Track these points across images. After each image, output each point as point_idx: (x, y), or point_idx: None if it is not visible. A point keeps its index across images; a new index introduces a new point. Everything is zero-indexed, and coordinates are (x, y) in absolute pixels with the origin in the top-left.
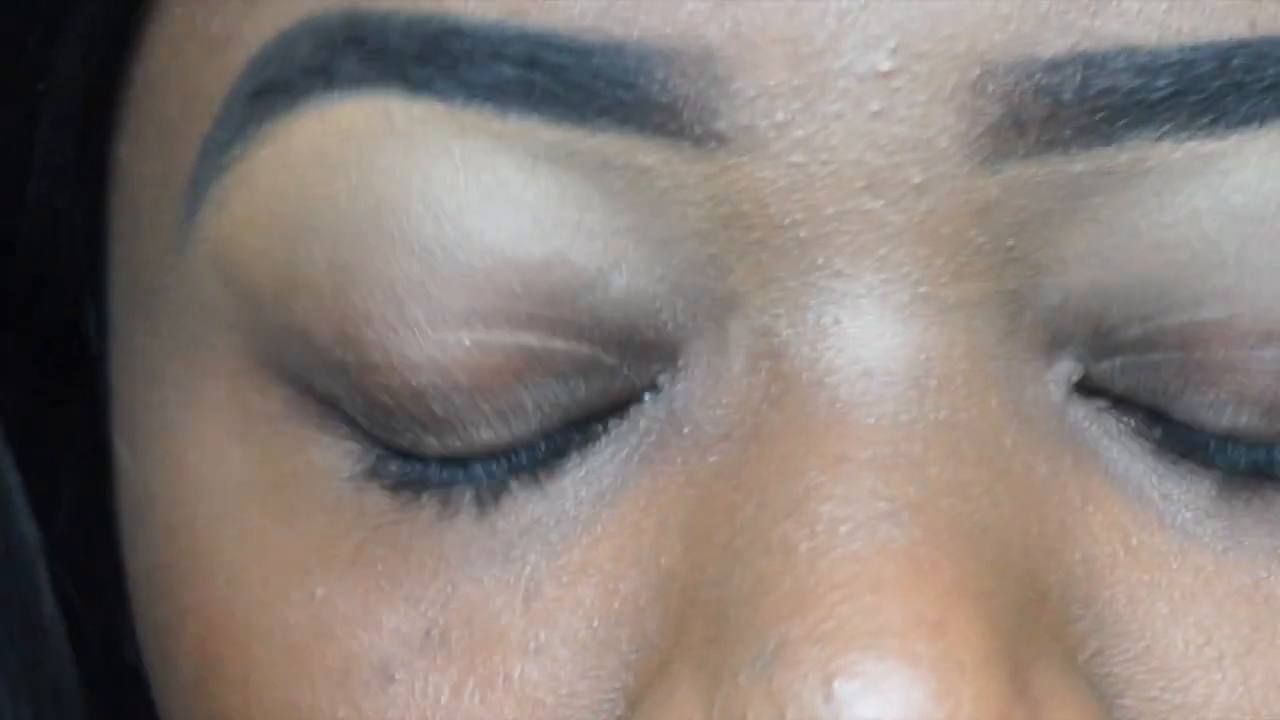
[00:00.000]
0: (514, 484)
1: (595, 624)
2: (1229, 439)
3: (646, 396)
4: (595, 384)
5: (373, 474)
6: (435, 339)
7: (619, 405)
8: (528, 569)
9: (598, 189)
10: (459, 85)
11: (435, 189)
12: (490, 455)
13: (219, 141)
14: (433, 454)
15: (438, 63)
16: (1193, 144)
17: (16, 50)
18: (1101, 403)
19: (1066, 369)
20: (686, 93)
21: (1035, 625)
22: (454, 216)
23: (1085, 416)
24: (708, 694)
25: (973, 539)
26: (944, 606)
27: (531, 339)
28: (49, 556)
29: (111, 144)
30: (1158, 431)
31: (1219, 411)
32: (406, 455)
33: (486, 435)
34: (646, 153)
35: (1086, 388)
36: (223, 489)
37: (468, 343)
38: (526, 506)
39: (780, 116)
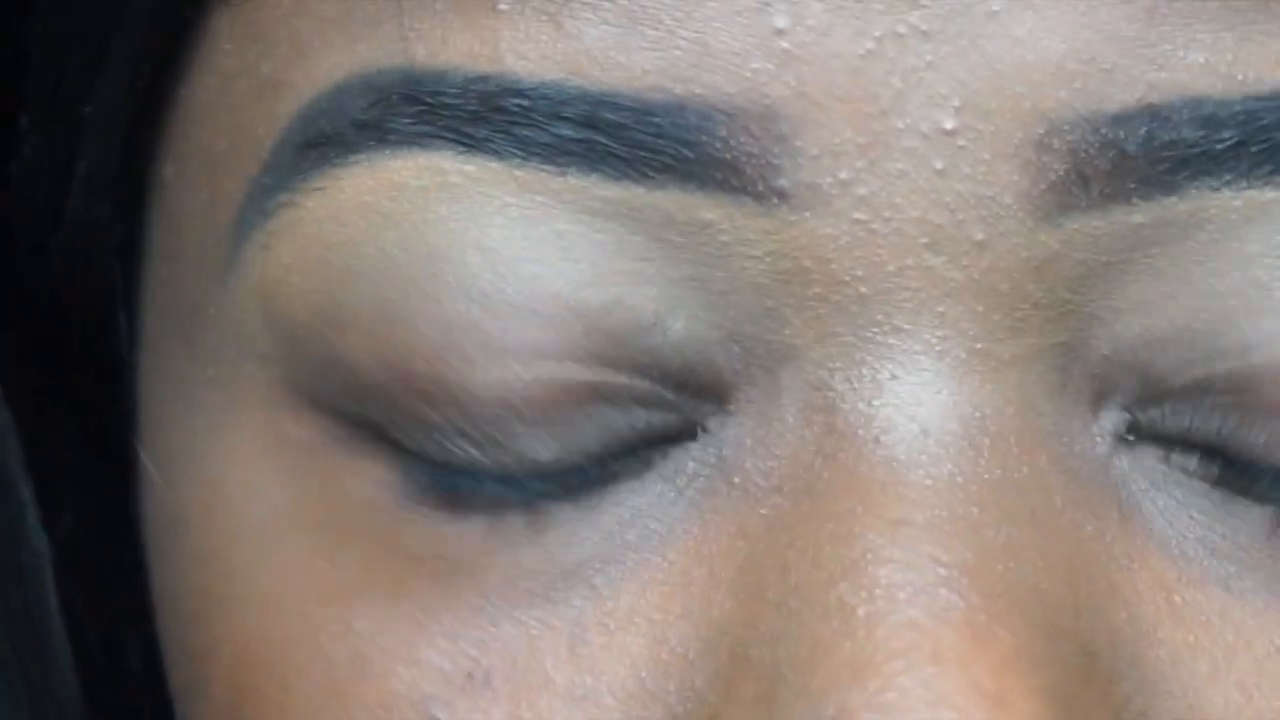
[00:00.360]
0: (561, 514)
1: (643, 674)
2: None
3: (695, 438)
4: (654, 416)
5: (418, 493)
6: (492, 372)
7: (670, 441)
8: (573, 613)
9: (656, 241)
10: (516, 144)
11: (490, 239)
12: (541, 475)
13: (266, 187)
14: (483, 471)
15: (494, 122)
16: (1252, 192)
17: (61, 71)
18: (1148, 451)
19: (1113, 420)
20: (750, 150)
21: (1086, 690)
22: (510, 265)
23: (1131, 467)
24: None
25: (1027, 604)
26: (1002, 677)
27: (591, 374)
28: (55, 565)
29: (156, 163)
30: (1214, 470)
31: (1272, 449)
32: (454, 470)
33: (543, 455)
34: (707, 209)
35: (1132, 438)
36: (259, 518)
37: (528, 377)
38: (571, 544)
39: (844, 174)
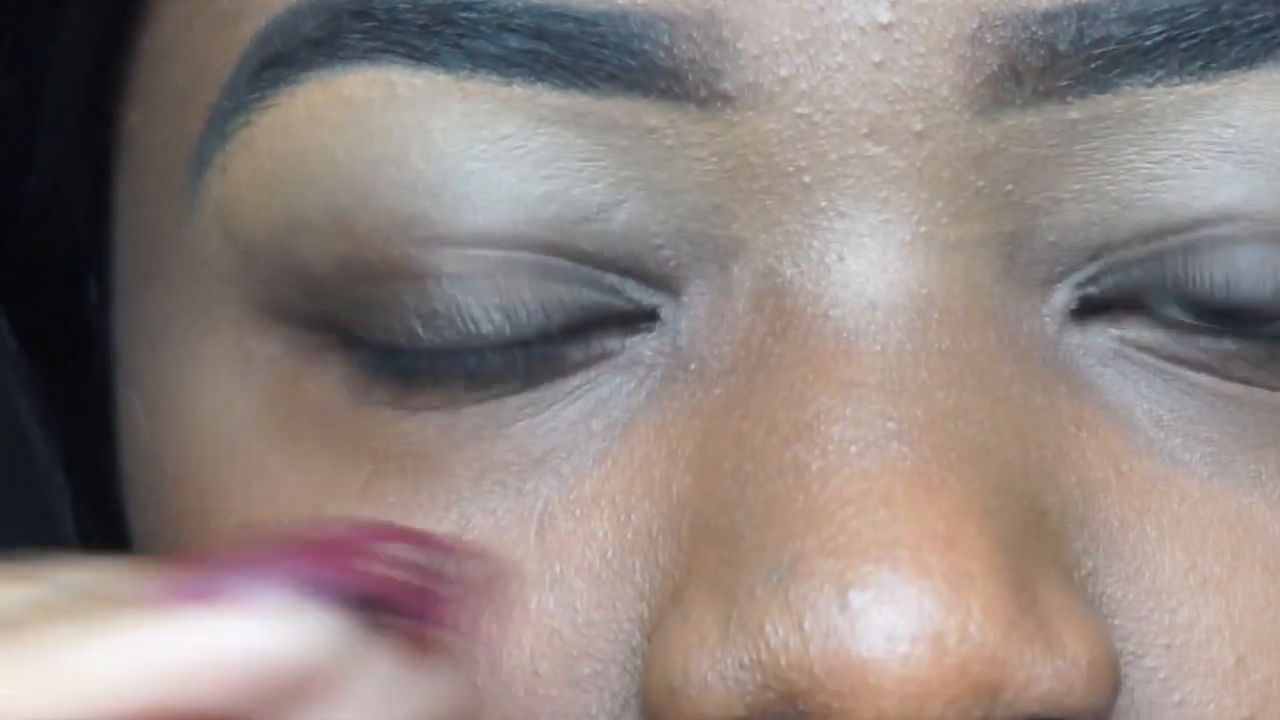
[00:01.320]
0: (520, 406)
1: (609, 555)
2: (1230, 317)
3: (650, 328)
4: (597, 297)
5: (373, 386)
6: (439, 254)
7: (622, 329)
8: (540, 502)
9: (602, 145)
10: (464, 56)
11: (435, 142)
12: (489, 349)
13: (224, 111)
14: (430, 348)
15: (443, 35)
16: (1185, 88)
17: (25, 13)
18: (1098, 329)
19: (1063, 299)
20: (691, 56)
21: (1037, 543)
22: (454, 161)
23: (1080, 345)
24: (724, 609)
25: (977, 460)
26: (953, 521)
27: (535, 256)
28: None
29: (120, 112)
30: (1160, 339)
31: (1220, 291)
32: (402, 353)
33: (486, 329)
34: (652, 114)
35: (1083, 314)
36: (230, 434)
37: (472, 254)
38: (536, 436)
39: (784, 71)
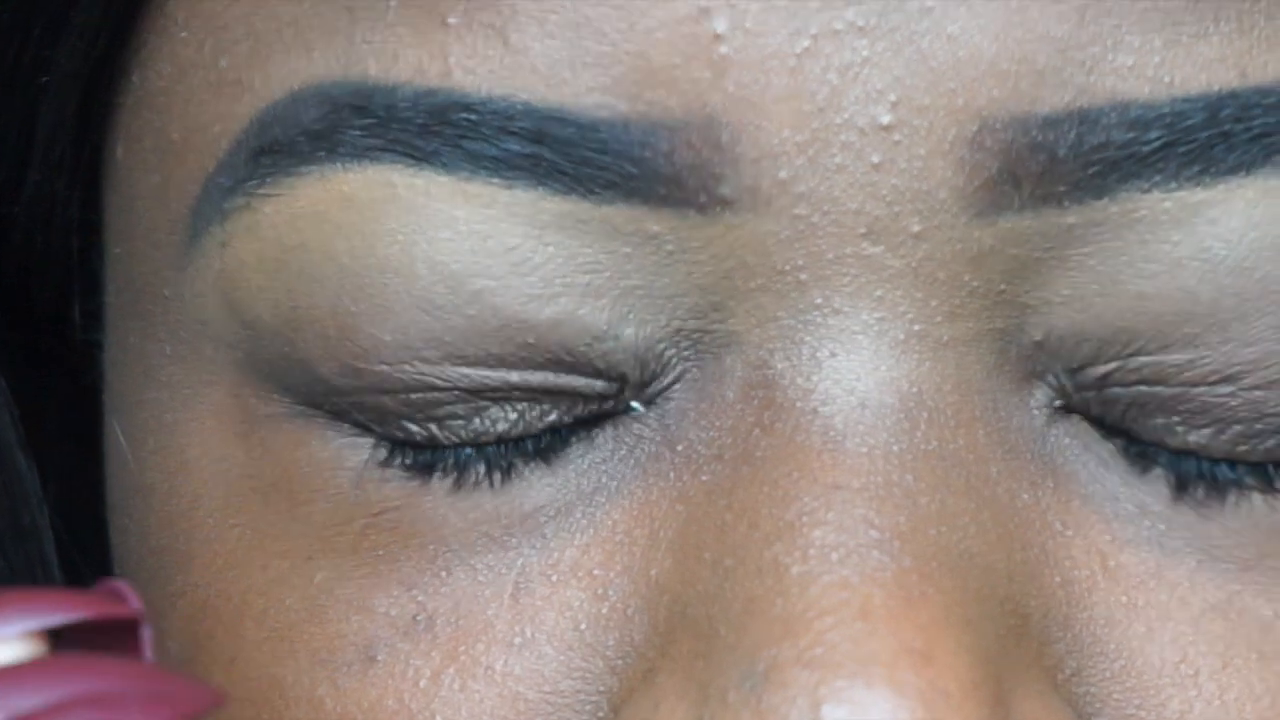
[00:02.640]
0: (527, 468)
1: (583, 627)
2: (1185, 454)
3: (641, 407)
4: (607, 402)
5: (386, 462)
6: (449, 371)
7: (618, 413)
8: (520, 562)
9: (605, 253)
10: (464, 158)
11: (440, 253)
12: (505, 441)
13: (222, 187)
14: (448, 444)
15: (443, 135)
16: (1181, 194)
17: (21, 40)
18: (1079, 420)
19: (1047, 395)
20: (691, 162)
21: (1017, 650)
22: (460, 280)
23: (1066, 435)
24: (696, 708)
25: (959, 568)
26: (931, 636)
27: (546, 379)
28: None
29: (108, 142)
30: (1133, 449)
31: (1173, 433)
32: (420, 446)
33: (502, 428)
34: (653, 221)
35: (1062, 405)
36: (224, 482)
37: (484, 373)
38: (531, 493)
39: (783, 174)
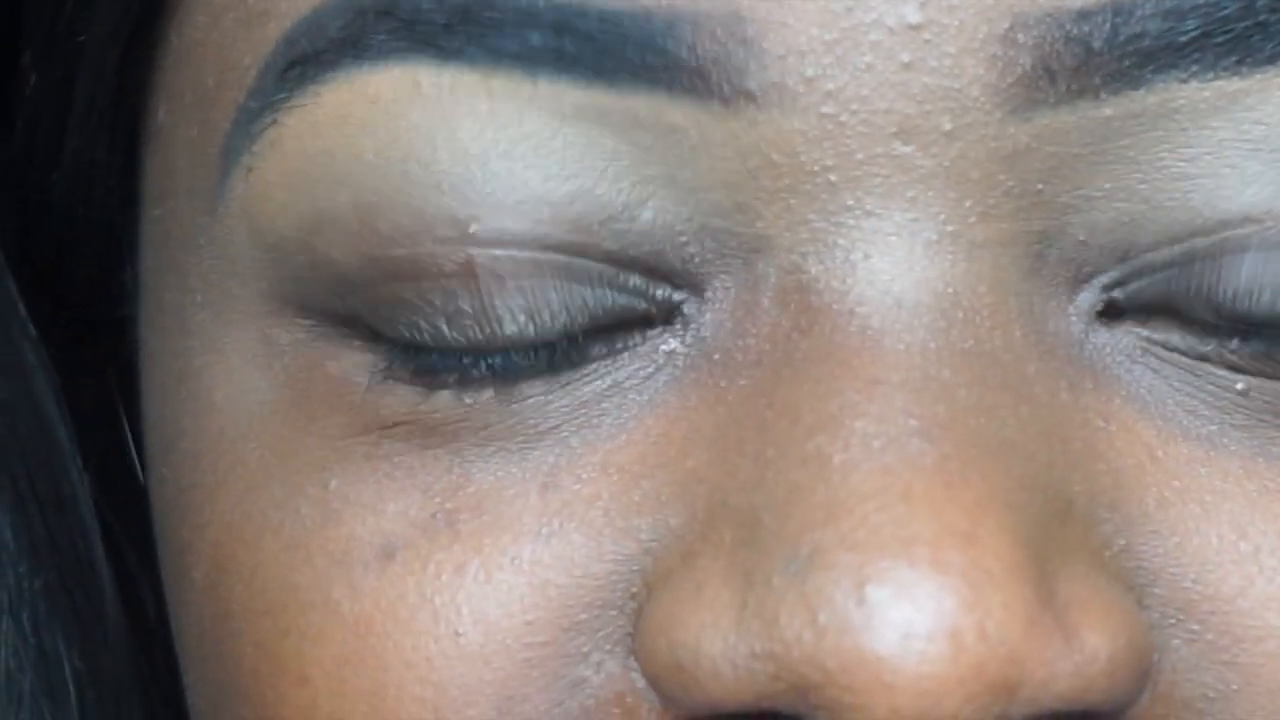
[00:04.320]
0: (532, 388)
1: (613, 513)
2: (1258, 320)
3: (673, 324)
4: (622, 299)
5: (390, 373)
6: (464, 253)
7: (645, 326)
8: (545, 465)
9: (625, 143)
10: (488, 53)
11: (461, 139)
12: (513, 348)
13: (251, 111)
14: (455, 347)
15: (468, 32)
16: (1219, 83)
17: (57, 7)
18: (1126, 328)
19: (1089, 300)
20: (715, 54)
21: (1061, 533)
22: (479, 160)
23: (1107, 344)
24: (740, 593)
25: (999, 456)
26: (973, 517)
27: (560, 257)
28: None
29: (148, 107)
30: (1190, 341)
31: (1245, 295)
32: (426, 350)
33: (510, 329)
34: (675, 112)
35: (1110, 314)
36: (247, 410)
37: (498, 254)
38: (545, 413)
39: (810, 71)
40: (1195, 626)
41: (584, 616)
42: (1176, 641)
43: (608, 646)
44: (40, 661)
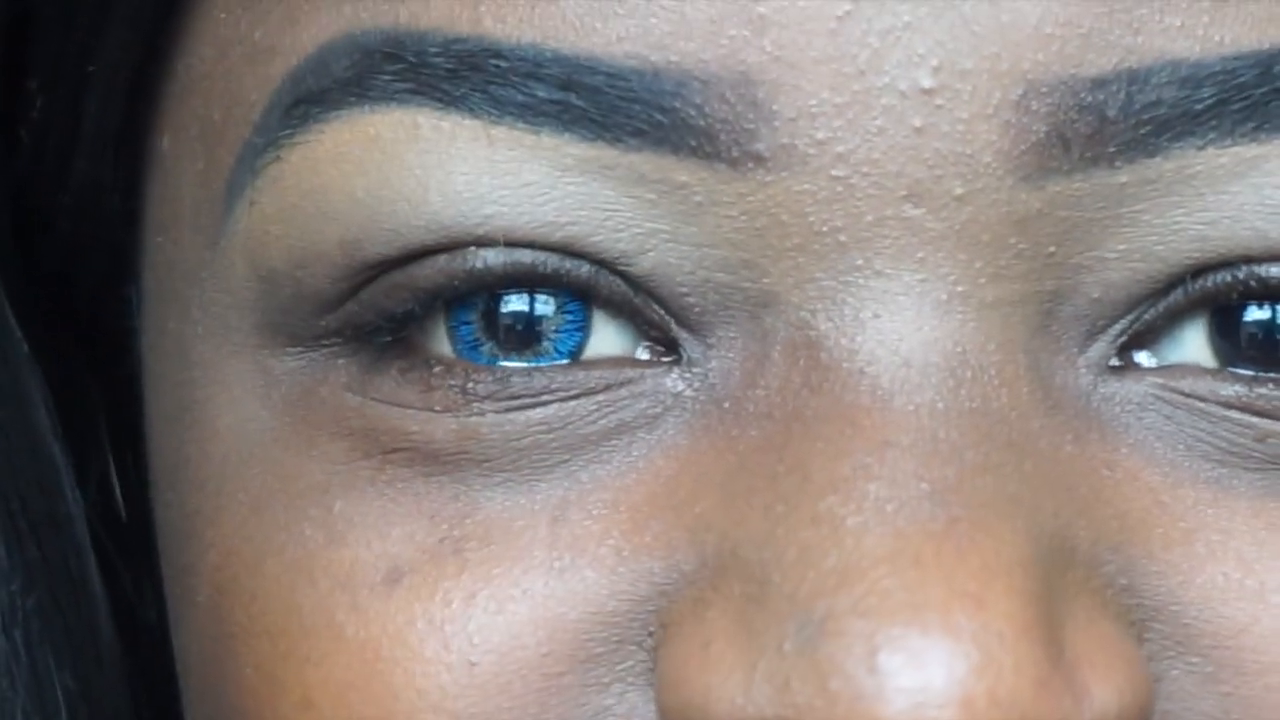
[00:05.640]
0: (530, 413)
1: (625, 553)
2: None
3: (673, 362)
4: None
5: (379, 393)
6: (447, 273)
7: (642, 361)
8: (555, 497)
9: (628, 197)
10: (492, 103)
11: (455, 184)
12: (502, 375)
13: (256, 147)
14: (440, 369)
15: (472, 81)
16: (1237, 149)
17: (67, 31)
18: (1137, 377)
19: (1101, 351)
20: (724, 116)
21: (1064, 580)
22: (471, 205)
23: (1117, 393)
24: (748, 655)
25: (1006, 512)
26: (982, 580)
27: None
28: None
29: (154, 134)
30: (1204, 385)
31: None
32: (413, 370)
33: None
34: (681, 171)
35: (1122, 365)
36: (250, 438)
37: (485, 279)
38: (551, 443)
39: (821, 134)
40: (1195, 659)
41: (601, 650)
42: (1175, 671)
43: (629, 679)
44: (32, 681)
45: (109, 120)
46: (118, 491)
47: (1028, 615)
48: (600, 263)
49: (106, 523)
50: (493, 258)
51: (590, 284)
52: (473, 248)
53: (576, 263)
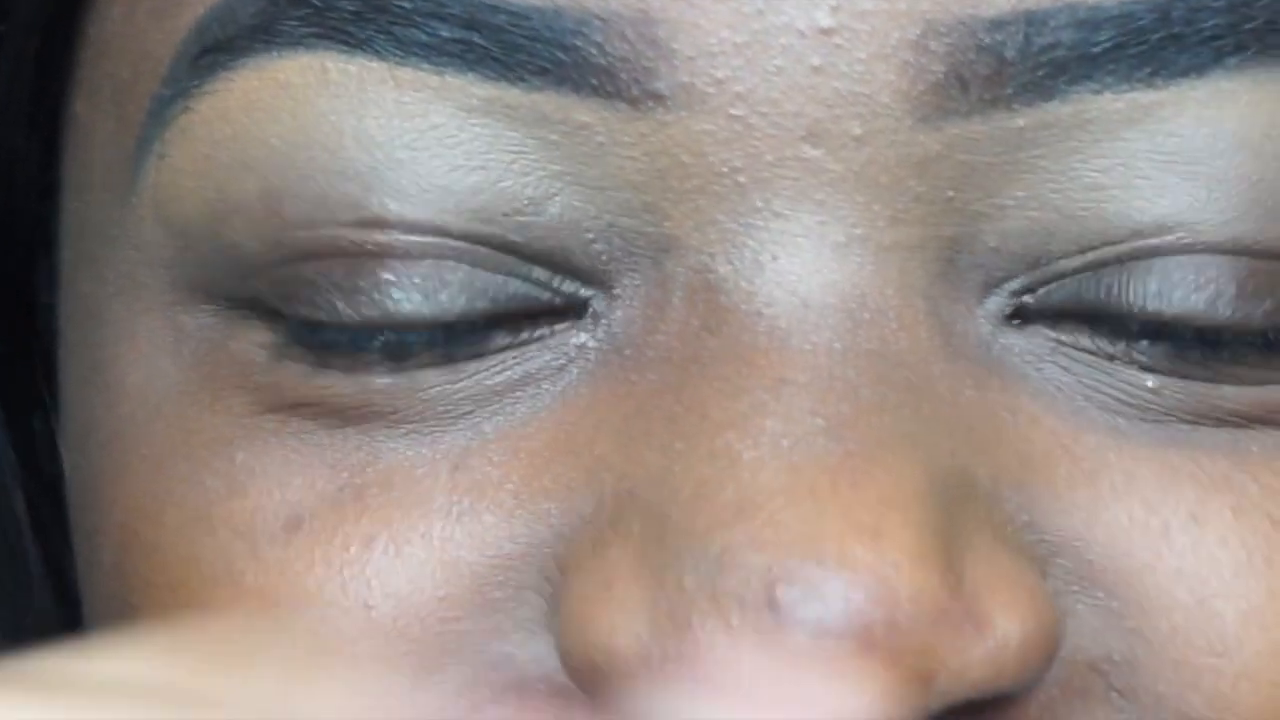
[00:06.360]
0: (438, 370)
1: (522, 495)
2: (1166, 327)
3: (580, 319)
4: (525, 290)
5: (287, 350)
6: (365, 234)
7: (551, 318)
8: (456, 448)
9: (532, 138)
10: (396, 44)
11: (368, 128)
12: (408, 328)
13: (164, 99)
14: (349, 324)
15: (376, 22)
16: (1133, 95)
17: None
18: (1035, 330)
19: (999, 304)
20: (624, 55)
21: (963, 514)
22: (385, 149)
23: (1016, 345)
24: (650, 592)
25: (902, 450)
26: (878, 513)
27: (462, 244)
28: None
29: (68, 98)
30: (1100, 343)
31: (1154, 302)
32: (322, 327)
33: (405, 308)
34: (583, 111)
35: (1020, 318)
36: (156, 395)
37: (399, 237)
38: (455, 396)
39: (720, 73)
40: (1100, 594)
41: (499, 595)
42: (1080, 607)
43: (530, 627)
44: None
45: (20, 86)
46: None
47: (924, 545)
48: (507, 217)
49: (40, 491)
50: (402, 248)
51: (499, 243)
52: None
53: (487, 252)
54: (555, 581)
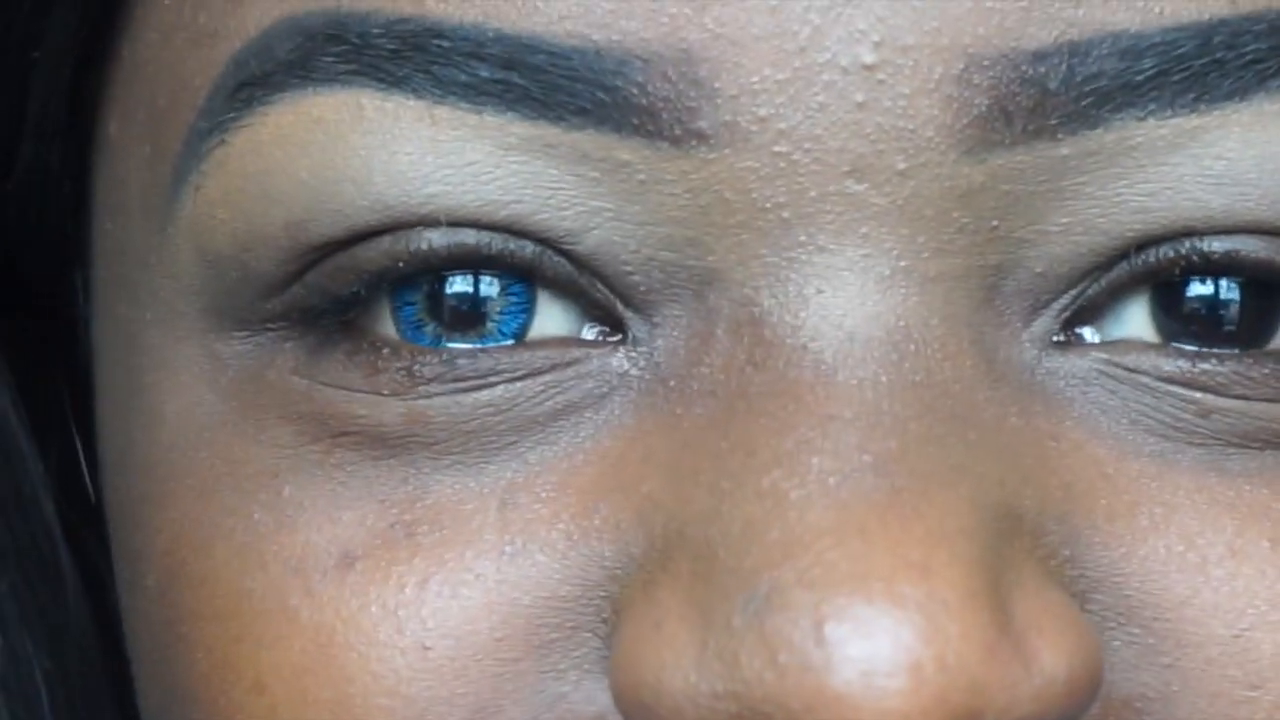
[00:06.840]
0: (479, 394)
1: (574, 537)
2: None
3: (618, 342)
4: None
5: (325, 376)
6: (392, 253)
7: (588, 341)
8: (503, 481)
9: (571, 174)
10: (434, 83)
11: (399, 164)
12: (449, 356)
13: (201, 131)
14: (386, 350)
15: (414, 61)
16: (1177, 121)
17: (11, 13)
18: (1081, 352)
19: (1045, 326)
20: (666, 94)
21: (1010, 549)
22: (415, 185)
23: (1061, 368)
24: (699, 633)
25: (950, 483)
26: (927, 549)
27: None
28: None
29: (101, 120)
30: (1151, 360)
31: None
32: (358, 353)
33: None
34: (624, 149)
35: (1066, 340)
36: (197, 423)
37: (431, 260)
38: (499, 425)
39: (763, 111)
40: (1136, 630)
41: (555, 636)
42: (1117, 643)
43: (585, 666)
44: (10, 663)
45: (55, 107)
46: (86, 475)
47: (973, 582)
48: (544, 242)
49: (75, 505)
50: (437, 238)
51: (534, 264)
52: (417, 228)
53: (520, 243)
54: (610, 621)
